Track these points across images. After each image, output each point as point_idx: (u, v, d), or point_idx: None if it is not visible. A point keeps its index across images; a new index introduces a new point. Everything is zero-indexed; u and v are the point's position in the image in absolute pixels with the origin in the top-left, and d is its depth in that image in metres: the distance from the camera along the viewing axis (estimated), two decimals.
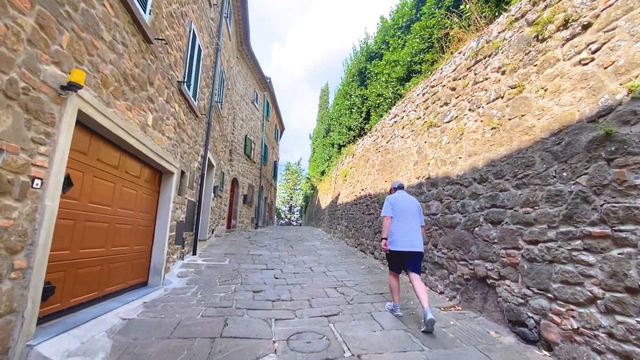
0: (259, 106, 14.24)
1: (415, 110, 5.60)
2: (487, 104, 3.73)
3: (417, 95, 5.61)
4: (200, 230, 7.72)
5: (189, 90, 5.34)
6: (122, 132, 3.21)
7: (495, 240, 3.29)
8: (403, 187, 3.81)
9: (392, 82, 7.20)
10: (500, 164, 3.37)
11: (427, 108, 5.16)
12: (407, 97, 6.11)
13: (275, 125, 19.17)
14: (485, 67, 3.89)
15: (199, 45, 5.76)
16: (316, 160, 18.96)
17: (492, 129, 3.57)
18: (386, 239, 3.42)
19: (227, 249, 7.19)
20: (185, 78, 5.07)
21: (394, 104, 7.05)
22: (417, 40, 6.24)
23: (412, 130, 5.56)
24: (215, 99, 7.24)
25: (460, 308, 3.69)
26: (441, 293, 4.13)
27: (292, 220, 38.08)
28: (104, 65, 2.84)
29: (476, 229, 3.59)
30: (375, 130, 7.68)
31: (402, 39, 6.98)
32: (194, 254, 6.21)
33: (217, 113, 8.02)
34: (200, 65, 5.97)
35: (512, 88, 3.41)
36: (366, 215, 7.22)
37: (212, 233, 8.81)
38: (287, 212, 38.69)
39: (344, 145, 11.37)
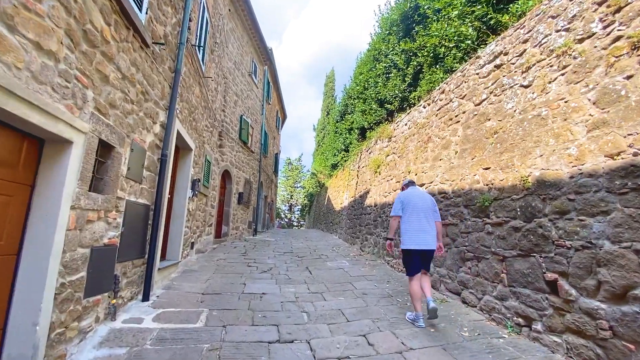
0: (258, 83, 11.45)
1: (565, 30, 2.88)
2: None
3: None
4: (170, 249, 4.97)
5: None
6: None
7: None
8: (414, 182, 3.63)
9: (475, 12, 4.46)
10: None
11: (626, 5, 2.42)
12: (531, 17, 3.37)
13: (277, 111, 16.37)
14: None
15: None
16: (324, 153, 16.29)
17: None
18: (392, 239, 3.40)
19: (209, 282, 4.43)
20: None
21: (481, 45, 4.33)
22: None
23: (564, 67, 2.83)
24: (188, 36, 4.47)
25: None
26: None
27: (293, 221, 35.35)
28: None
29: None
30: (442, 93, 4.93)
31: None
32: (145, 299, 3.45)
33: (196, 66, 5.24)
34: None
35: None
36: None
37: (192, 248, 6.04)
38: (286, 212, 35.93)
39: (370, 128, 8.63)
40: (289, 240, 9.93)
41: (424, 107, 5.57)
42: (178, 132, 4.47)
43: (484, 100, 3.87)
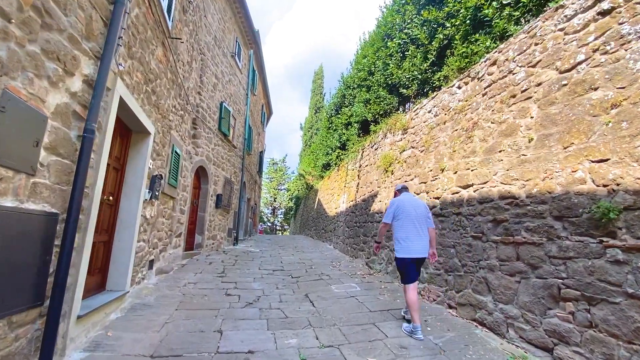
0: (243, 68, 9.96)
1: None
2: None
3: None
4: (112, 275, 3.47)
5: None
6: None
7: None
8: (407, 189, 3.59)
9: None
10: None
11: None
12: None
13: (263, 105, 14.86)
14: None
15: None
16: (314, 152, 14.97)
17: None
18: (379, 243, 3.52)
19: (167, 329, 2.94)
20: None
21: None
22: None
23: None
24: None
25: None
26: None
27: (276, 225, 33.68)
28: None
29: None
30: (492, 65, 3.72)
31: None
32: None
33: (157, 16, 3.77)
34: None
35: None
36: (503, 245, 3.23)
37: (151, 268, 4.51)
38: (269, 215, 34.20)
39: (376, 121, 7.37)
40: (277, 250, 8.47)
41: (459, 88, 4.35)
42: (124, 103, 2.98)
43: (579, 63, 2.65)
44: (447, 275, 3.84)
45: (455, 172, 3.95)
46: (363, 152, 7.76)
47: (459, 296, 3.58)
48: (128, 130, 3.68)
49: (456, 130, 4.16)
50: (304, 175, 16.72)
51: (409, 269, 3.14)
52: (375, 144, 6.99)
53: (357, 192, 7.76)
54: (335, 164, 10.59)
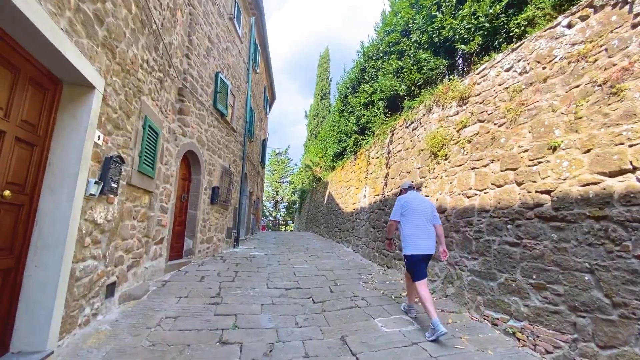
0: (243, 37, 8.40)
1: None
2: None
3: None
4: (21, 325, 2.00)
5: None
6: None
7: None
8: (414, 187, 3.66)
9: None
10: None
11: None
12: None
13: (265, 87, 13.28)
14: None
15: None
16: (323, 141, 13.51)
17: None
18: (391, 239, 3.73)
19: None
20: None
21: None
22: None
23: None
24: None
25: None
26: None
27: (278, 219, 32.33)
28: None
29: None
30: None
31: None
32: None
33: None
34: None
35: None
36: None
37: (111, 296, 3.07)
38: (271, 209, 32.82)
39: (411, 94, 5.87)
40: (285, 255, 7.05)
41: (569, 27, 2.91)
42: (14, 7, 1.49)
43: None
44: (576, 316, 2.39)
45: (588, 151, 2.46)
46: (393, 134, 6.26)
47: (610, 357, 2.13)
48: (54, 81, 2.20)
49: (577, 86, 2.67)
50: (311, 167, 15.24)
51: (418, 266, 3.10)
52: (412, 122, 5.48)
53: (385, 184, 6.29)
54: (352, 151, 9.09)
